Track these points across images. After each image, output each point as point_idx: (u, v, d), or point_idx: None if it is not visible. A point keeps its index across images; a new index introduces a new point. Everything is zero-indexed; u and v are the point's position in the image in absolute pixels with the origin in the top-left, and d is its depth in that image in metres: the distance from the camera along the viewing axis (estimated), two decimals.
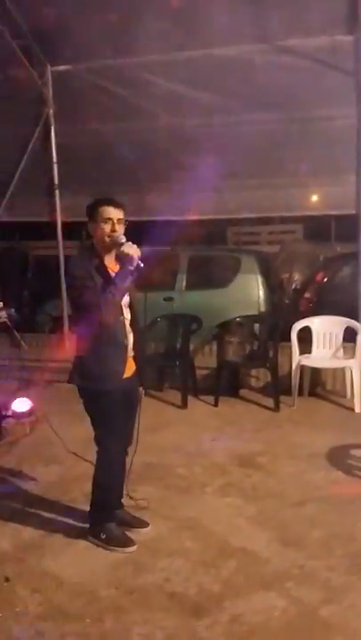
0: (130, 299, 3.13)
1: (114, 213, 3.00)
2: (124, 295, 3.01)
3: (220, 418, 5.29)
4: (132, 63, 6.45)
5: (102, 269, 3.00)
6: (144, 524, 3.30)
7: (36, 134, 6.81)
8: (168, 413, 5.33)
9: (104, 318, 2.92)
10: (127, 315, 3.12)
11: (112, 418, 3.12)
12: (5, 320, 5.19)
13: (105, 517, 3.22)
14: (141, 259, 2.94)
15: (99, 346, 3.04)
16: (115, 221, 2.98)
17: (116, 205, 3.03)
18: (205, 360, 6.17)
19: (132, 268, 2.92)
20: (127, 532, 3.21)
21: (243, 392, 5.99)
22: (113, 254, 3.06)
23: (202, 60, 6.18)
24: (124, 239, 2.97)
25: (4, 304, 5.07)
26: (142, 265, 2.93)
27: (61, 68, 6.70)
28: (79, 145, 6.83)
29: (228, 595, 2.74)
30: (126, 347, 3.09)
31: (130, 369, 3.16)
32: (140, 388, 3.34)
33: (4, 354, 5.22)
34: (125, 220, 3.07)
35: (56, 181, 6.83)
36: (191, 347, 6.03)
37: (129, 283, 2.98)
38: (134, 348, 3.17)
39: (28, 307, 8.33)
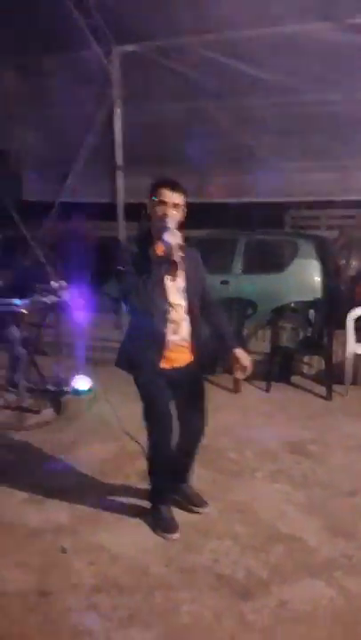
0: (188, 284, 3.00)
1: (169, 197, 2.89)
2: (156, 282, 2.87)
3: (272, 404, 5.31)
4: (198, 42, 6.40)
5: (138, 256, 2.90)
6: (203, 504, 3.36)
7: (101, 115, 6.87)
8: (220, 397, 5.39)
9: (134, 305, 2.92)
10: (179, 301, 3.00)
11: (150, 404, 3.09)
12: (67, 299, 5.33)
13: (156, 498, 3.30)
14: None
15: (135, 332, 3.08)
16: (169, 205, 2.89)
17: (174, 189, 2.92)
18: (259, 345, 6.18)
19: (170, 257, 2.80)
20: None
21: (295, 379, 5.98)
22: None
23: (270, 39, 6.06)
24: (170, 225, 2.85)
25: (65, 283, 5.20)
26: (180, 255, 2.81)
27: (128, 47, 6.72)
28: (143, 125, 6.87)
29: (275, 580, 2.81)
30: (164, 335, 2.99)
31: (178, 359, 3.07)
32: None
33: (65, 332, 5.38)
34: (185, 206, 2.97)
35: (119, 162, 6.90)
36: (245, 331, 6.04)
37: (164, 271, 2.87)
38: (194, 337, 3.09)
39: (90, 287, 8.49)
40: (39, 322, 5.25)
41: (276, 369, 5.81)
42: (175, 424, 3.18)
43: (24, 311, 4.83)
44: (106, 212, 7.47)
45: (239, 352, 3.14)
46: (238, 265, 7.23)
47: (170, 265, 2.83)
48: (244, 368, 3.14)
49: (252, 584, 2.78)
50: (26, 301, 4.79)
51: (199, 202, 6.79)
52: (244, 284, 6.99)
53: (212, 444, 4.18)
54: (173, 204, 2.91)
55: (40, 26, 6.34)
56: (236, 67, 6.31)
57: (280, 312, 6.01)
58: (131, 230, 7.00)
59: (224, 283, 7.02)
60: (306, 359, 6.12)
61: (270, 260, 7.46)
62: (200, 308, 3.11)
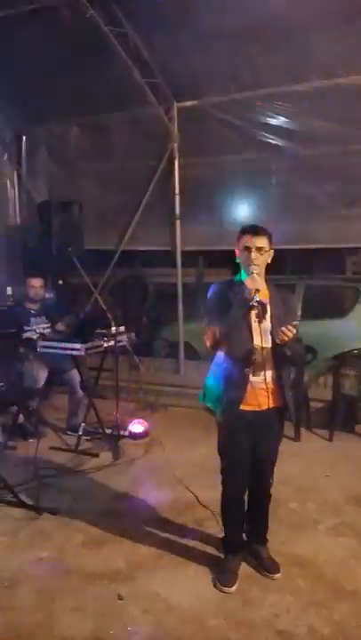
0: (274, 327, 2.96)
1: (252, 242, 2.96)
2: (234, 326, 2.93)
3: (335, 453, 5.13)
4: (254, 96, 6.60)
5: (227, 299, 2.97)
6: (275, 570, 3.19)
7: (161, 168, 7.13)
8: (280, 445, 5.25)
9: (213, 344, 3.01)
10: (264, 343, 2.98)
11: (227, 448, 3.13)
12: (125, 344, 5.42)
13: (225, 547, 3.28)
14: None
15: (218, 370, 3.10)
16: (253, 250, 2.96)
17: (258, 234, 2.99)
18: (320, 392, 6.03)
19: (250, 301, 2.88)
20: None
21: (359, 427, 5.77)
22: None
23: (324, 91, 6.20)
24: (254, 270, 2.93)
25: (125, 328, 5.29)
26: (258, 301, 2.88)
27: (187, 103, 7.00)
28: (201, 176, 7.07)
29: (339, 638, 2.65)
30: (246, 376, 2.99)
31: (259, 402, 3.04)
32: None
33: (123, 376, 5.44)
34: (270, 250, 3.02)
35: (177, 212, 7.09)
36: (305, 378, 5.92)
37: (243, 314, 2.92)
38: (278, 380, 3.07)
39: (147, 332, 8.63)
40: (98, 366, 5.32)
41: (340, 417, 5.63)
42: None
43: (84, 355, 4.93)
44: (164, 259, 7.63)
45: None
46: (298, 310, 7.16)
47: (254, 308, 2.89)
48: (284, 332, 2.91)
49: None
50: (86, 345, 4.88)
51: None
52: (303, 330, 6.87)
53: (271, 494, 4.07)
54: (257, 248, 2.98)
55: (103, 86, 6.71)
56: (290, 118, 6.46)
57: (342, 358, 5.87)
58: (188, 276, 7.11)
59: None
60: None
61: (331, 306, 7.36)
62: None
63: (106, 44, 6.04)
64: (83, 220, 7.22)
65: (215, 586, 3.09)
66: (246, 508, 3.32)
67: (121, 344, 5.22)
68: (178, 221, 7.13)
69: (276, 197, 6.78)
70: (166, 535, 3.62)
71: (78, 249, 7.06)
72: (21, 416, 5.19)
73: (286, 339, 2.87)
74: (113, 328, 5.11)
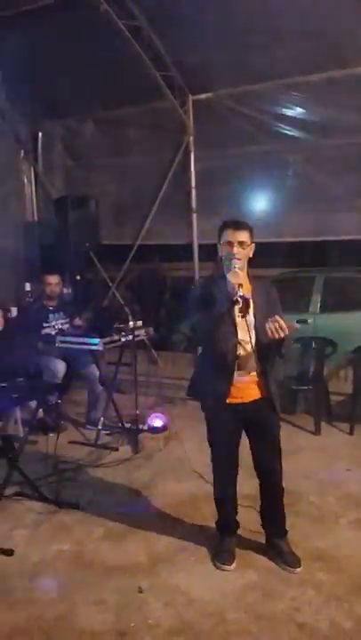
0: (257, 320, 2.98)
1: (233, 236, 2.97)
2: (218, 321, 2.94)
3: (356, 447, 5.07)
4: (269, 87, 6.54)
5: (209, 294, 3.00)
6: (296, 564, 3.17)
7: (177, 161, 7.11)
8: (300, 439, 5.22)
9: (198, 339, 3.12)
10: (246, 337, 2.98)
11: (214, 438, 3.22)
12: (143, 338, 5.42)
13: (219, 529, 3.38)
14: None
15: (204, 364, 3.18)
16: (235, 244, 2.97)
17: (239, 228, 3.00)
18: (340, 385, 5.98)
19: (233, 296, 2.87)
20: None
21: None
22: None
23: (343, 80, 6.12)
24: (235, 265, 2.94)
25: (142, 323, 5.29)
26: (241, 296, 2.86)
27: (202, 96, 6.96)
28: (217, 169, 7.04)
29: (360, 632, 2.63)
30: (231, 370, 3.03)
31: (244, 394, 3.09)
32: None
33: (142, 370, 5.45)
34: (252, 243, 3.03)
35: (194, 205, 7.07)
36: (325, 371, 5.87)
37: (225, 309, 2.91)
38: (263, 373, 3.10)
39: (165, 326, 8.63)
40: (117, 360, 5.34)
41: (360, 410, 5.57)
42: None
43: (102, 350, 4.94)
44: (181, 252, 7.62)
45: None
46: (317, 303, 7.07)
47: (238, 302, 2.89)
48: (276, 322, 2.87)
49: (335, 636, 2.62)
50: (104, 340, 4.90)
51: (276, 241, 6.85)
52: (322, 322, 6.82)
53: (291, 488, 4.01)
54: (238, 242, 2.98)
55: (118, 80, 6.71)
56: (308, 108, 6.39)
57: None
58: (205, 270, 7.09)
59: (301, 322, 6.88)
60: None
61: (350, 298, 7.26)
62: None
63: (120, 38, 6.03)
64: (99, 215, 7.23)
65: (215, 566, 3.20)
66: (260, 502, 3.37)
67: (139, 338, 5.22)
68: (194, 215, 7.11)
69: (293, 189, 6.73)
70: (186, 528, 3.62)
71: (95, 244, 7.07)
72: (41, 411, 5.23)
73: (278, 335, 2.84)
74: (131, 323, 5.12)
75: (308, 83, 6.32)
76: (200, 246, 7.19)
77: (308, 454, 4.81)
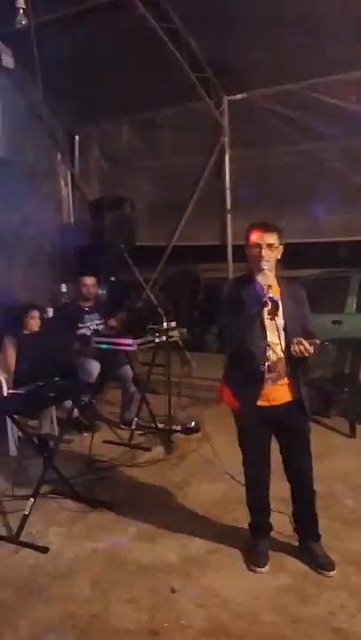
0: (287, 322, 2.99)
1: (262, 238, 2.96)
2: (248, 323, 2.92)
3: None
4: (305, 86, 6.49)
5: (239, 296, 2.97)
6: (330, 567, 3.13)
7: (212, 162, 7.11)
8: (335, 441, 5.15)
9: (228, 341, 3.08)
10: (277, 339, 2.98)
11: (244, 442, 3.21)
12: (177, 339, 5.43)
13: (252, 531, 3.37)
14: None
15: (233, 367, 3.15)
16: (263, 246, 2.95)
17: (266, 230, 2.98)
18: None
19: (263, 297, 2.87)
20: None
21: None
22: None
23: None
24: (265, 267, 2.93)
25: (176, 324, 5.31)
26: (270, 297, 2.86)
27: (237, 96, 6.95)
28: (252, 169, 7.01)
29: None
30: (261, 373, 3.00)
31: (275, 397, 3.07)
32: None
33: (175, 371, 5.46)
34: (280, 245, 3.01)
35: (228, 206, 7.06)
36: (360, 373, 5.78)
37: (255, 311, 2.90)
38: (293, 376, 3.07)
39: (198, 327, 8.64)
40: (150, 361, 5.37)
41: None
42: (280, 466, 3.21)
43: (136, 350, 4.98)
44: (215, 253, 7.62)
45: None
46: (352, 304, 6.97)
47: (268, 304, 2.88)
48: (300, 345, 2.90)
49: None
50: (138, 341, 4.93)
51: (311, 241, 6.78)
52: (358, 323, 6.73)
53: (326, 490, 4.00)
54: (267, 244, 2.96)
55: (154, 82, 6.75)
56: (344, 107, 6.30)
57: None
58: (239, 271, 7.06)
59: (336, 322, 6.80)
60: None
61: None
62: None
63: (156, 40, 6.07)
64: (134, 217, 7.28)
65: (248, 568, 3.18)
66: (291, 507, 3.35)
67: (172, 339, 5.24)
68: (229, 215, 7.09)
69: (329, 188, 6.65)
70: (219, 529, 3.61)
71: (130, 245, 7.13)
72: (76, 410, 5.30)
73: (305, 354, 2.89)
74: (164, 324, 5.14)
75: (343, 81, 6.24)
76: (234, 247, 7.17)
77: (343, 457, 4.74)
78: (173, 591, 3.00)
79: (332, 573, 3.11)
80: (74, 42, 6.42)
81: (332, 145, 6.50)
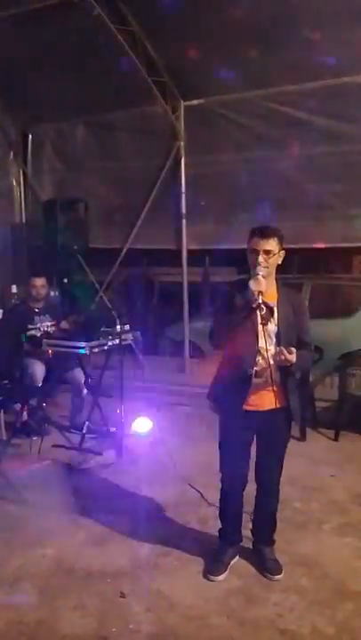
0: (280, 328, 2.97)
1: (259, 244, 2.92)
2: (235, 327, 2.91)
3: (341, 453, 5.09)
4: (260, 95, 6.58)
5: (233, 300, 2.96)
6: (277, 572, 3.16)
7: (167, 166, 7.11)
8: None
9: (218, 344, 3.07)
10: (268, 345, 2.94)
11: (224, 444, 3.18)
12: (130, 342, 5.40)
13: (220, 537, 3.32)
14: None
15: (222, 370, 3.13)
16: (260, 252, 2.92)
17: (263, 236, 2.93)
18: (326, 392, 5.98)
19: (253, 303, 2.86)
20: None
21: None
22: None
23: (330, 89, 6.17)
24: (259, 272, 2.89)
25: (130, 327, 5.27)
26: (263, 302, 2.86)
27: (194, 102, 6.99)
28: (207, 175, 7.05)
29: (342, 638, 2.64)
30: (249, 377, 2.98)
31: (262, 403, 3.04)
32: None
33: (128, 374, 5.42)
34: (281, 251, 2.97)
35: (183, 210, 7.07)
36: (311, 377, 5.89)
37: (243, 316, 2.89)
38: (282, 382, 3.04)
39: (152, 330, 8.63)
40: (103, 364, 5.31)
41: (346, 417, 5.59)
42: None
43: (88, 353, 4.92)
44: (169, 257, 7.63)
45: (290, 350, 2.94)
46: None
47: (261, 309, 2.88)
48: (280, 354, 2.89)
49: None
50: (90, 344, 4.87)
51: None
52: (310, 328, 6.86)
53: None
54: (264, 250, 2.93)
55: (110, 84, 6.72)
56: (297, 116, 6.43)
57: (349, 358, 5.83)
58: (193, 275, 7.10)
59: None
60: None
61: (337, 306, 7.33)
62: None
63: (113, 42, 6.04)
64: (88, 219, 7.21)
65: (204, 575, 3.14)
66: (254, 508, 3.35)
67: (126, 342, 5.20)
68: (184, 220, 7.11)
69: (282, 196, 6.74)
70: (170, 533, 3.60)
71: (83, 247, 7.05)
72: (25, 414, 5.19)
73: (286, 363, 2.89)
74: (118, 326, 5.10)
75: (299, 91, 6.35)
76: (189, 252, 7.19)
77: (294, 460, 4.72)
78: (123, 596, 2.97)
79: (277, 577, 3.13)
80: (29, 40, 6.32)
81: (287, 154, 6.60)
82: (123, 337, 5.08)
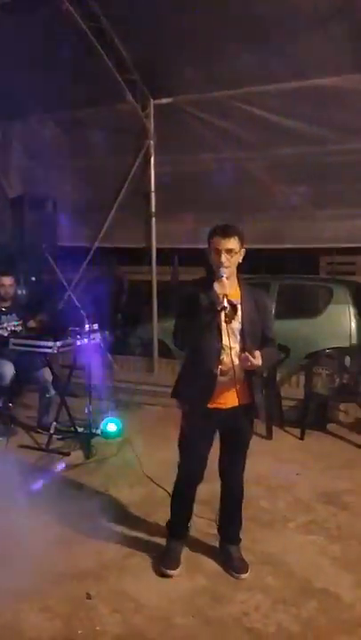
0: (244, 327, 2.99)
1: (221, 244, 2.93)
2: (204, 326, 2.93)
3: (306, 452, 5.17)
4: (231, 95, 6.60)
5: (197, 300, 2.97)
6: (243, 570, 3.19)
7: (136, 164, 7.09)
8: (252, 443, 5.22)
9: (182, 345, 3.09)
10: (232, 343, 2.97)
11: (185, 441, 3.20)
12: (99, 341, 5.37)
13: (170, 531, 3.36)
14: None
15: (187, 368, 3.16)
16: (223, 252, 2.93)
17: (226, 235, 2.94)
18: (292, 391, 6.07)
19: (218, 305, 2.87)
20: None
21: (331, 426, 5.82)
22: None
23: (299, 91, 6.23)
24: (222, 274, 2.91)
25: (98, 326, 5.25)
26: (227, 305, 2.86)
27: (163, 101, 6.98)
28: (177, 174, 7.06)
29: (307, 636, 2.68)
30: (214, 375, 3.00)
31: (226, 400, 3.06)
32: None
33: (96, 374, 5.40)
34: (242, 249, 2.99)
35: (153, 209, 7.06)
36: (278, 376, 5.96)
37: (211, 317, 2.91)
38: (246, 380, 3.07)
39: (121, 329, 8.60)
40: (70, 364, 5.28)
41: (311, 416, 5.68)
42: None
43: (56, 353, 4.88)
44: (139, 256, 7.61)
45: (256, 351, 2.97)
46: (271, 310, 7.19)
47: (226, 308, 2.87)
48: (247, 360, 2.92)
49: (282, 639, 2.64)
50: (58, 343, 4.84)
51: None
52: (276, 328, 6.90)
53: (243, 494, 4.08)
54: (226, 249, 2.94)
55: (80, 81, 6.65)
56: (265, 117, 6.47)
57: (315, 358, 5.92)
58: (162, 274, 7.09)
59: None
60: (341, 406, 5.96)
61: (304, 306, 7.42)
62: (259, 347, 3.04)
63: (82, 39, 5.99)
64: (57, 216, 7.14)
65: (156, 570, 3.17)
66: (219, 506, 3.37)
67: (94, 342, 5.18)
68: (153, 219, 7.10)
69: (250, 196, 6.79)
70: (136, 534, 3.60)
71: (52, 245, 6.98)
72: None
73: (252, 368, 2.92)
74: (86, 326, 5.07)
75: (267, 92, 6.40)
76: (158, 250, 7.19)
77: (260, 459, 4.82)
78: (89, 597, 2.96)
79: (243, 576, 3.17)
80: None
81: (256, 154, 6.65)
82: (91, 336, 5.06)
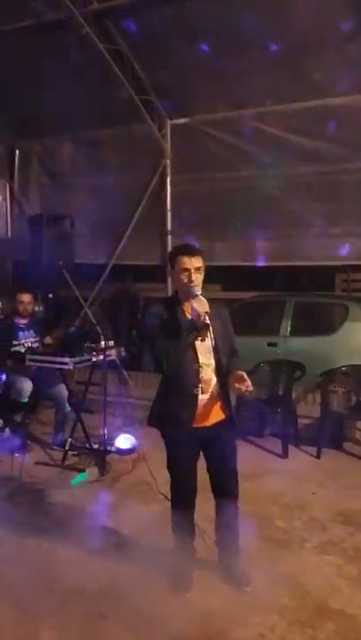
0: (216, 343, 3.03)
1: (190, 263, 2.96)
2: (186, 347, 2.96)
3: (323, 470, 5.11)
4: (246, 114, 6.69)
5: (167, 319, 3.01)
6: (246, 582, 3.18)
7: (153, 184, 7.18)
8: (267, 461, 5.24)
9: (165, 367, 3.01)
10: (208, 360, 3.04)
11: (174, 464, 3.20)
12: (114, 358, 5.40)
13: (178, 555, 3.30)
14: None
15: (165, 391, 3.15)
16: (192, 271, 2.96)
17: (192, 254, 2.98)
18: (308, 409, 6.03)
19: (198, 323, 2.90)
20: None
21: (347, 445, 5.75)
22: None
23: (314, 110, 6.30)
24: (197, 292, 2.94)
25: (114, 343, 5.28)
26: (208, 323, 2.89)
27: (180, 121, 7.08)
28: (192, 193, 7.14)
29: None
30: (195, 395, 3.02)
31: (208, 418, 3.09)
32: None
33: (112, 390, 5.42)
34: (205, 266, 3.03)
35: (169, 227, 7.13)
36: (294, 394, 5.93)
37: (193, 337, 2.94)
38: (224, 394, 3.11)
39: (136, 346, 8.63)
40: (86, 380, 5.30)
41: (327, 434, 5.63)
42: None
43: (72, 369, 4.91)
44: (154, 274, 7.67)
45: (241, 372, 3.02)
46: (286, 327, 7.17)
47: (199, 327, 2.91)
48: (243, 382, 2.96)
49: None
50: (74, 360, 4.87)
51: (244, 265, 6.95)
52: (292, 346, 6.92)
53: (257, 511, 4.05)
54: (195, 268, 2.98)
55: (98, 102, 6.79)
56: (281, 136, 6.54)
57: (330, 375, 5.89)
58: None
59: (271, 345, 6.96)
60: (358, 424, 5.90)
61: (320, 323, 7.38)
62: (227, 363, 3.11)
63: (101, 60, 6.12)
64: (74, 234, 7.24)
65: (171, 590, 3.14)
66: (215, 522, 3.32)
67: (110, 358, 5.20)
68: (169, 237, 7.17)
69: (266, 214, 6.84)
70: (151, 552, 3.57)
71: (69, 262, 7.07)
72: (7, 430, 5.15)
73: (249, 389, 2.94)
74: (102, 342, 5.10)
75: (283, 112, 6.48)
76: None
77: (276, 477, 4.82)
78: (103, 615, 2.94)
79: (248, 589, 3.14)
80: (16, 56, 6.37)
81: (271, 173, 6.71)
82: (107, 353, 5.08)
